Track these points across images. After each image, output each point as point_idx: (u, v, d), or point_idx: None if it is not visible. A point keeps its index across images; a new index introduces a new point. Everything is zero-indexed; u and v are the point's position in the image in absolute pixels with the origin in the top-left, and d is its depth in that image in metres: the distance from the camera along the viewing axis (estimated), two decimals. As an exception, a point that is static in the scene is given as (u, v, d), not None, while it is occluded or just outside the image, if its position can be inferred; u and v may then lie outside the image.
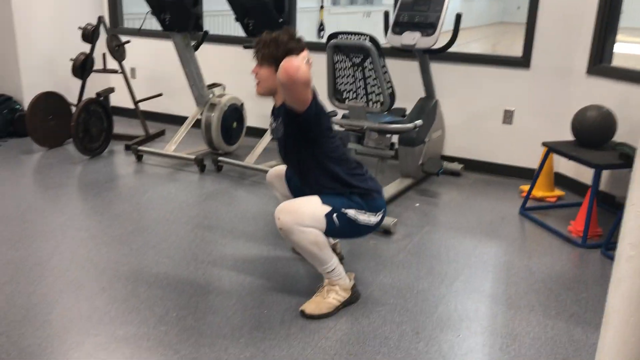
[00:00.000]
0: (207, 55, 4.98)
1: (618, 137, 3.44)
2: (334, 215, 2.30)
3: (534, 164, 4.13)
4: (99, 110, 4.56)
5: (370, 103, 3.40)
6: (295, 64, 2.08)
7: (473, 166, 4.45)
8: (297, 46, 2.30)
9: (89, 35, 4.69)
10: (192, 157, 4.31)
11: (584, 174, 3.90)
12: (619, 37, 3.89)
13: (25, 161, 4.42)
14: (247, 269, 2.82)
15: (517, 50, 4.36)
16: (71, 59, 4.75)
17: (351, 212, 2.34)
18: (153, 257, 2.89)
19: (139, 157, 4.49)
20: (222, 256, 2.94)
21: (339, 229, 2.33)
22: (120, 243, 3.05)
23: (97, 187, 3.92)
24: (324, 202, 2.31)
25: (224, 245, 3.08)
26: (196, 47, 4.49)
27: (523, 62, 4.11)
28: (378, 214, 2.43)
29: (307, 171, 2.43)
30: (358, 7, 12.46)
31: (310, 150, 2.35)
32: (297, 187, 2.59)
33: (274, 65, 2.26)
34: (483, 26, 17.35)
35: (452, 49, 3.95)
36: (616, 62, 3.87)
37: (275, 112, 2.43)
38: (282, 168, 2.70)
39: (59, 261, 2.83)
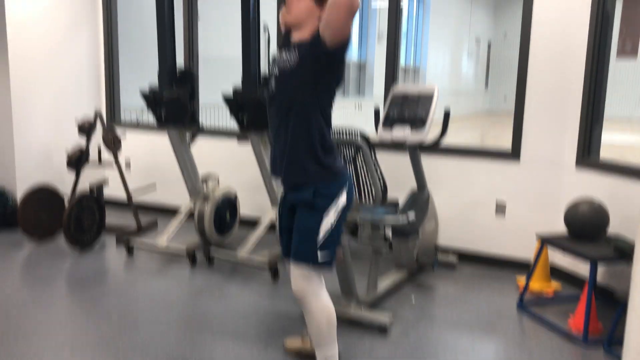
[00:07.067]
0: (202, 147, 5.04)
1: (611, 229, 3.44)
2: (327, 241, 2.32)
3: (529, 255, 4.09)
4: (92, 204, 4.55)
5: (363, 197, 3.41)
6: None
7: (468, 257, 4.41)
8: None
9: (86, 129, 4.76)
10: (184, 250, 4.25)
11: (579, 267, 3.86)
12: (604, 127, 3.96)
13: (13, 255, 4.35)
14: (237, 372, 2.70)
15: (506, 139, 4.42)
16: (67, 153, 4.80)
17: (328, 220, 2.32)
18: (139, 360, 2.78)
19: (130, 251, 4.43)
20: None
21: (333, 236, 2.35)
22: (106, 345, 2.94)
23: (85, 283, 3.83)
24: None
25: (213, 347, 2.96)
26: (191, 141, 4.55)
27: (513, 154, 4.18)
28: (342, 192, 2.37)
29: (290, 125, 2.33)
30: (350, 100, 12.82)
31: (309, 98, 2.28)
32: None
33: (315, 2, 2.29)
34: (471, 116, 17.86)
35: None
36: (604, 153, 3.93)
37: (291, 45, 2.36)
38: None
39: (40, 365, 2.71)
